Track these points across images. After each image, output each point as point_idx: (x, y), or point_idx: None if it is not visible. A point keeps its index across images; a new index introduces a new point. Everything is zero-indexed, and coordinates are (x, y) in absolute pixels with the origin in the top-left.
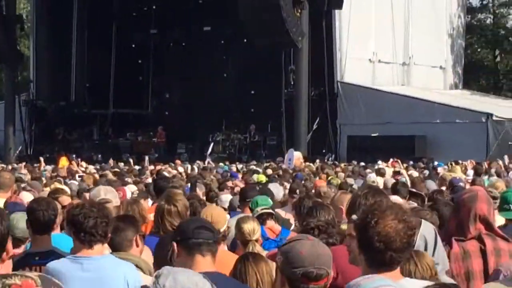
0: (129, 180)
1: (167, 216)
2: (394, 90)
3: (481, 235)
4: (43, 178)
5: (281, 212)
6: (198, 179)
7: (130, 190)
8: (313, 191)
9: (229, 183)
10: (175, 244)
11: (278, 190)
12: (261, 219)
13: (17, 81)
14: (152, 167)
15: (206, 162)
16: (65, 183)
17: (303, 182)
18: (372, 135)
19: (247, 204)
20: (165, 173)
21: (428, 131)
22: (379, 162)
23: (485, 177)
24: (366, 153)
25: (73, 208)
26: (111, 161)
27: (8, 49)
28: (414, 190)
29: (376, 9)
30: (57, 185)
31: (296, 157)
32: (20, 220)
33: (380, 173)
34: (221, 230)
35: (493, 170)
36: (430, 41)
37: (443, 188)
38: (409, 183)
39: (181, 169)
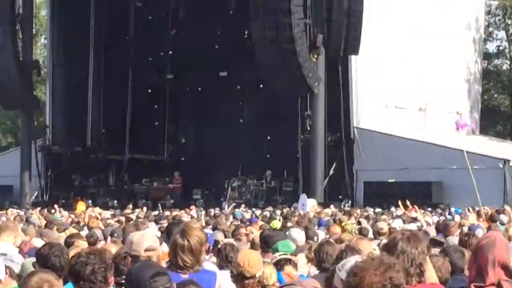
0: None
1: (179, 252)
2: (410, 136)
3: (500, 282)
4: (59, 224)
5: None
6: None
7: (154, 233)
8: (327, 236)
9: (243, 230)
10: None
11: (300, 235)
12: (279, 265)
13: (33, 127)
14: (168, 213)
15: (223, 208)
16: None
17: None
18: (389, 181)
19: (268, 249)
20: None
21: (445, 177)
22: (392, 208)
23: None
24: (383, 199)
25: (72, 257)
26: (130, 206)
27: (25, 94)
28: (436, 238)
29: (393, 54)
30: (73, 230)
31: (311, 204)
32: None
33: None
34: (257, 275)
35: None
36: (447, 86)
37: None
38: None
39: (194, 213)
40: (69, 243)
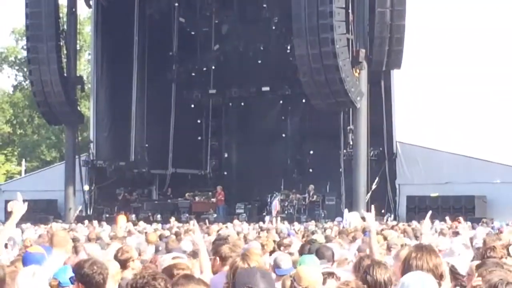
0: None
1: None
2: (453, 150)
3: None
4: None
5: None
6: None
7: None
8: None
9: (285, 241)
10: None
11: (338, 250)
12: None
13: (77, 142)
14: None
15: (266, 222)
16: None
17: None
18: (432, 195)
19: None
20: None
21: (488, 191)
22: (436, 222)
23: None
24: (426, 213)
25: (136, 278)
26: (172, 220)
27: (69, 109)
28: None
29: (436, 69)
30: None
31: (355, 216)
32: None
33: (442, 233)
34: None
35: None
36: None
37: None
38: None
39: (238, 229)
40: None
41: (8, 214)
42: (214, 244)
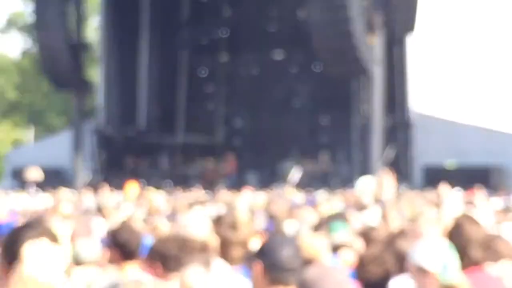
0: None
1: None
2: (470, 120)
3: None
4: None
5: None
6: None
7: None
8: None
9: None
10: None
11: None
12: (336, 248)
13: (85, 110)
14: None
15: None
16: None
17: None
18: (447, 166)
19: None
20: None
21: (505, 163)
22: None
23: None
24: (440, 183)
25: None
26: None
27: (77, 76)
28: None
29: (452, 37)
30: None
31: (366, 181)
32: None
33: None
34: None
35: None
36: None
37: None
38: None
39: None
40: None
41: (17, 182)
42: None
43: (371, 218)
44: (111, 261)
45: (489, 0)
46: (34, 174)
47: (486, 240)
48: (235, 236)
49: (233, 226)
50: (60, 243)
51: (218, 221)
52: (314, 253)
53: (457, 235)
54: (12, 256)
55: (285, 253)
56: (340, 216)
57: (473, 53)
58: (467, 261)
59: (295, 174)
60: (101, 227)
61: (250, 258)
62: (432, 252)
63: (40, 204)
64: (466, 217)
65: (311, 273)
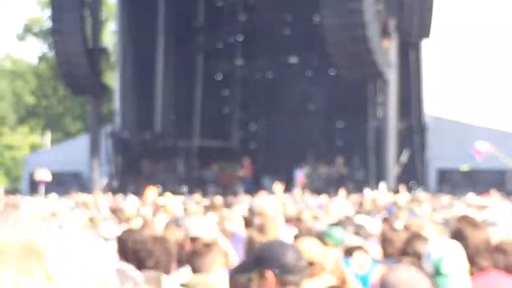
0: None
1: None
2: (484, 123)
3: None
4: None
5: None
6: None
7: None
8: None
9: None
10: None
11: (369, 223)
12: (349, 251)
13: (102, 114)
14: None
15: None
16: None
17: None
18: (462, 169)
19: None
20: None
21: None
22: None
23: None
24: (455, 187)
25: (136, 242)
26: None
27: (94, 80)
28: None
29: (467, 43)
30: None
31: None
32: None
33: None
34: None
35: None
36: None
37: None
38: None
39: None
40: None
41: (33, 186)
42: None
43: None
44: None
45: (503, 6)
46: (42, 174)
47: (489, 246)
48: (263, 239)
49: (261, 229)
50: None
51: (247, 224)
52: (313, 256)
53: (459, 241)
54: None
55: (291, 256)
56: (347, 221)
57: (487, 56)
58: (474, 268)
59: (300, 178)
60: (112, 233)
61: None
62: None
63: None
64: (468, 221)
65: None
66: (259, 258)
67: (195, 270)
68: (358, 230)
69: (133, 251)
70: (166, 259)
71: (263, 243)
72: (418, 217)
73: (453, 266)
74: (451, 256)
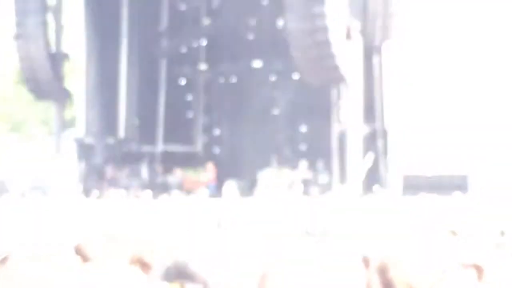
0: None
1: None
2: (445, 128)
3: None
4: None
5: None
6: None
7: None
8: None
9: None
10: None
11: None
12: None
13: (65, 119)
14: None
15: None
16: None
17: None
18: (426, 174)
19: None
20: None
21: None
22: None
23: None
24: (420, 191)
25: None
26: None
27: (56, 85)
28: None
29: (430, 44)
30: None
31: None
32: None
33: None
34: None
35: None
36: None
37: None
38: None
39: None
40: None
41: None
42: None
43: None
44: None
45: (466, 11)
46: None
47: None
48: None
49: None
50: None
51: None
52: None
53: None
54: None
55: None
56: None
57: (451, 59)
58: None
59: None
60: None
61: None
62: None
63: None
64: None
65: None
66: None
67: None
68: None
69: None
70: None
71: None
72: None
73: None
74: None
